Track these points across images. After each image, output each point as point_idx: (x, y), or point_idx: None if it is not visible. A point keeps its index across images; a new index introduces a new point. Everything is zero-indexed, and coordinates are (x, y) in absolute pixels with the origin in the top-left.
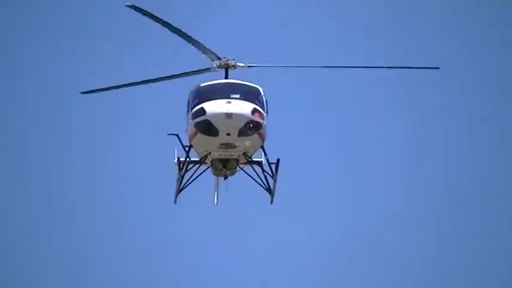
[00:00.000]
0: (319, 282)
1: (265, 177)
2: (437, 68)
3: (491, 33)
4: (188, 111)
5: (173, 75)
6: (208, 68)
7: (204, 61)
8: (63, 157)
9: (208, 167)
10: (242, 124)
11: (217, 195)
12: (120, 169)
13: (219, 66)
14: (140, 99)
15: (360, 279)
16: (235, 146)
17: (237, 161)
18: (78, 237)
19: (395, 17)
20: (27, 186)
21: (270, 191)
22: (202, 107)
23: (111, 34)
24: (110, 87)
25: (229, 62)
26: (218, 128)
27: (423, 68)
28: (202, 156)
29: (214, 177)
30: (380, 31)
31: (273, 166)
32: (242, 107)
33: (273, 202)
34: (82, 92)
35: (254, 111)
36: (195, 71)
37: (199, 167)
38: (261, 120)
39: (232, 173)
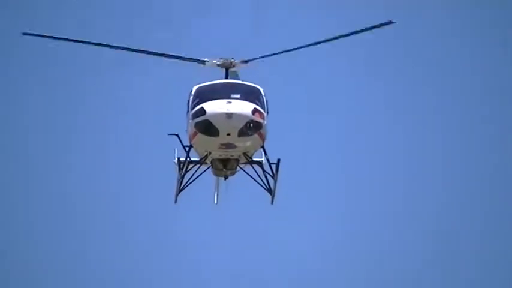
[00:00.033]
0: (319, 282)
1: (266, 177)
2: (393, 22)
3: (491, 33)
4: (188, 111)
5: (163, 54)
6: (205, 61)
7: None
8: (63, 157)
9: (209, 167)
10: (242, 124)
11: (217, 195)
12: (120, 169)
13: (218, 65)
14: (140, 99)
15: (360, 279)
16: (235, 146)
17: (237, 161)
18: (78, 237)
19: (396, 17)
20: (27, 186)
21: (270, 191)
22: (202, 107)
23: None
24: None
25: (229, 61)
26: (218, 128)
27: (377, 26)
28: (202, 156)
29: (214, 177)
30: (380, 31)
31: (274, 166)
32: (242, 107)
33: (274, 202)
34: (24, 33)
35: (254, 111)
36: (191, 58)
37: (199, 167)
38: (261, 120)
39: (233, 173)
